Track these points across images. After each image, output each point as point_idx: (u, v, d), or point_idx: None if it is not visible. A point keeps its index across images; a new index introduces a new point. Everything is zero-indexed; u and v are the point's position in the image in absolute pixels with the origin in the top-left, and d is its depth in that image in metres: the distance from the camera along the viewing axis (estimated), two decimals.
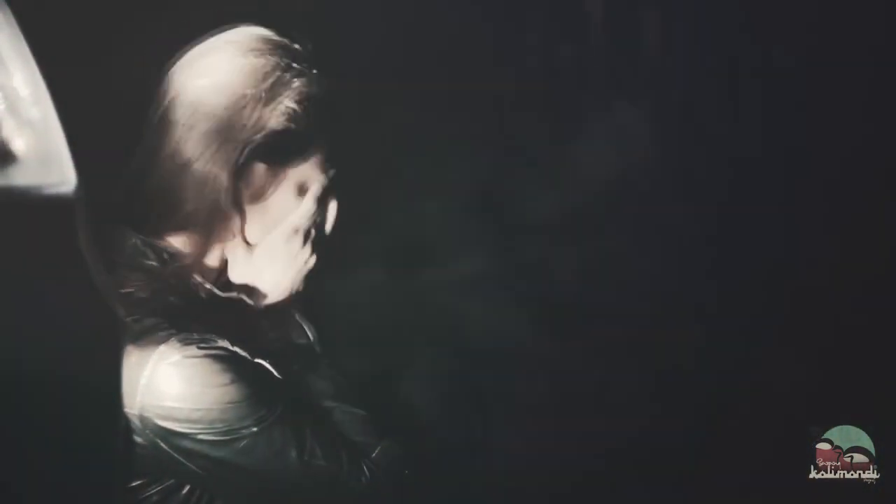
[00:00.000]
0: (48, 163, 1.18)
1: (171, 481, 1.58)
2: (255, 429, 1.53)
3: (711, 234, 3.85)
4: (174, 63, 1.62)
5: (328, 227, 1.73)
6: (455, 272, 3.73)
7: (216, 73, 1.56)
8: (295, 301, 1.71)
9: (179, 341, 1.51)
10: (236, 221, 1.61)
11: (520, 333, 3.46)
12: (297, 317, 1.70)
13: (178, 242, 1.61)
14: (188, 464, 1.53)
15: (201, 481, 1.57)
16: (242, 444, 1.53)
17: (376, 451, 1.64)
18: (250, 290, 1.68)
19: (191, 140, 1.55)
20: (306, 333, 1.70)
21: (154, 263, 1.59)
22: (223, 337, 1.54)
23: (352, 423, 1.66)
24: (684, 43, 4.23)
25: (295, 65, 1.59)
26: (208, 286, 1.63)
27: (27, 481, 1.26)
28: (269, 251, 1.67)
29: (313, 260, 1.71)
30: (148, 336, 1.52)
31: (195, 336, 1.52)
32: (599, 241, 3.82)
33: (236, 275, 1.67)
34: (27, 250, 1.18)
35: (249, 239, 1.67)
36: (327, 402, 1.67)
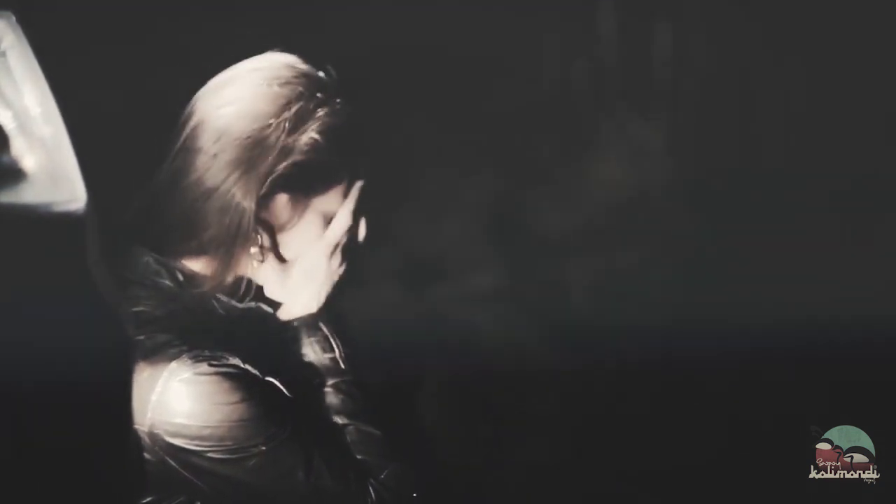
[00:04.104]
0: (59, 180, 1.18)
1: (182, 498, 1.58)
2: (263, 448, 1.53)
3: (723, 248, 3.85)
4: (200, 89, 1.62)
5: (361, 237, 1.73)
6: (469, 288, 3.73)
7: (241, 101, 1.55)
8: (325, 313, 1.70)
9: (191, 358, 1.51)
10: (258, 248, 1.61)
11: (533, 348, 3.46)
12: (326, 330, 1.69)
13: (196, 265, 1.61)
14: (197, 481, 1.54)
15: (210, 499, 1.57)
16: (251, 463, 1.52)
17: (385, 473, 1.63)
18: (270, 300, 1.68)
19: (214, 167, 1.54)
20: (332, 347, 1.69)
21: (167, 282, 1.59)
22: (235, 354, 1.54)
23: (364, 442, 1.65)
24: (697, 59, 4.23)
25: (319, 94, 1.58)
26: (225, 299, 1.63)
27: (38, 498, 1.26)
28: (308, 270, 1.66)
29: (342, 269, 1.71)
30: (159, 353, 1.52)
31: (206, 353, 1.52)
32: (613, 257, 3.82)
33: (271, 296, 1.68)
34: (38, 267, 1.18)
35: (285, 256, 1.66)
36: (341, 419, 1.66)
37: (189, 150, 1.57)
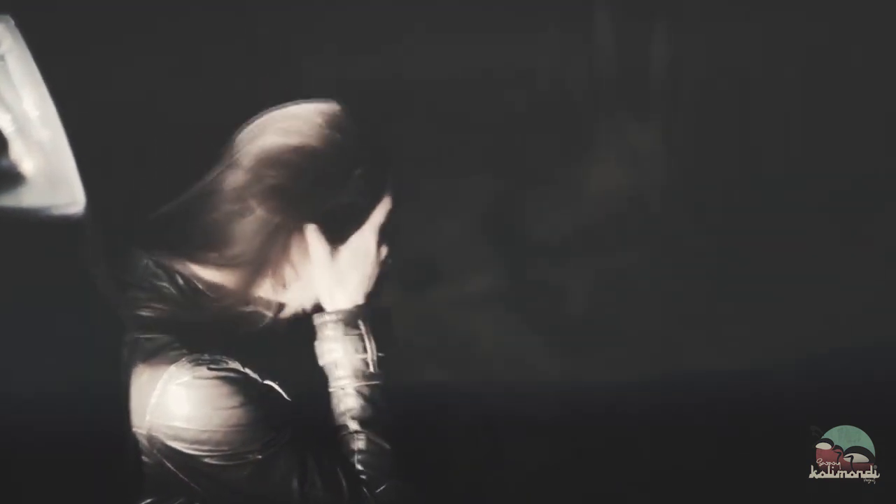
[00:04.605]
0: (57, 184, 1.19)
1: (181, 500, 1.58)
2: (259, 456, 1.53)
3: (722, 249, 3.85)
4: (262, 116, 1.65)
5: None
6: (467, 291, 3.73)
7: (301, 136, 1.60)
8: (368, 308, 1.68)
9: (190, 362, 1.51)
10: (283, 269, 1.62)
11: (531, 350, 3.46)
12: (363, 328, 1.68)
13: (209, 275, 1.62)
14: (194, 485, 1.54)
15: (208, 502, 1.57)
16: (246, 471, 1.53)
17: (384, 487, 1.62)
18: (268, 303, 1.68)
19: (256, 190, 1.58)
20: (366, 348, 1.68)
21: (167, 285, 1.60)
22: (234, 357, 1.54)
23: (372, 453, 1.63)
24: (695, 63, 4.23)
25: (374, 152, 1.64)
26: (224, 302, 1.63)
27: (39, 498, 1.26)
28: (358, 254, 1.66)
29: (390, 260, 1.71)
30: (159, 355, 1.52)
31: (206, 357, 1.52)
32: (611, 260, 3.83)
33: (316, 282, 1.67)
34: (37, 270, 1.18)
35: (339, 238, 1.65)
36: (355, 424, 1.65)
37: (235, 169, 1.60)
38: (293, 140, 1.60)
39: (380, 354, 1.66)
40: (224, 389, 1.51)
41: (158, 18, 2.61)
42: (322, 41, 3.58)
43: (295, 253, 1.61)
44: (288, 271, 1.62)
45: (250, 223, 1.58)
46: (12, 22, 1.26)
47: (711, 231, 3.97)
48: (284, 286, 1.64)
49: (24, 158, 1.21)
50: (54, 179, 1.19)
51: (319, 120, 1.62)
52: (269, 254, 1.59)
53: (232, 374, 1.52)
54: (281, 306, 1.67)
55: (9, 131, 1.22)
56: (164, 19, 2.57)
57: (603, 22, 4.35)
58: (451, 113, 4.05)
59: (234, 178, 1.60)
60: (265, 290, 1.64)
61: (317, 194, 1.59)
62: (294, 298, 1.67)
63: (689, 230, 3.97)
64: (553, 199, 4.12)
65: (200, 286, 1.61)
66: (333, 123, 1.62)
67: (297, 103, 1.67)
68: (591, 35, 4.35)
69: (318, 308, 1.68)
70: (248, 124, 1.65)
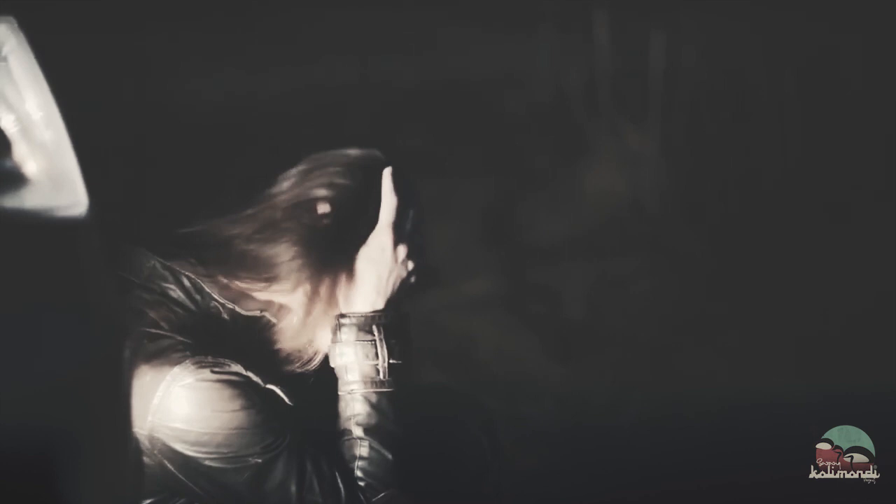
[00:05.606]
0: (60, 185, 1.18)
1: (182, 500, 1.59)
2: (259, 460, 1.55)
3: (718, 254, 3.86)
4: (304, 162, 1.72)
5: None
6: (466, 294, 3.74)
7: (336, 189, 1.66)
8: (387, 316, 1.69)
9: (193, 364, 1.53)
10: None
11: (528, 355, 3.46)
12: (377, 335, 1.68)
13: (238, 281, 1.65)
14: (193, 486, 1.56)
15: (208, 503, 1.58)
16: (245, 475, 1.55)
17: (381, 495, 1.63)
18: (271, 306, 1.68)
19: (291, 225, 1.64)
20: (378, 355, 1.68)
21: (173, 287, 1.61)
22: (238, 361, 1.55)
23: (374, 462, 1.64)
24: (691, 69, 4.23)
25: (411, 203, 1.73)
26: (230, 305, 1.64)
27: (36, 499, 1.26)
28: (372, 253, 1.68)
29: (413, 267, 1.71)
30: (162, 357, 1.54)
31: (209, 359, 1.54)
32: (609, 265, 3.83)
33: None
34: (39, 272, 1.18)
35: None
36: (360, 431, 1.65)
37: (274, 210, 1.66)
38: (328, 191, 1.66)
39: (391, 362, 1.66)
40: (226, 392, 1.53)
41: (160, 19, 2.62)
42: (322, 42, 3.58)
43: (339, 287, 1.66)
44: (331, 304, 1.66)
45: (284, 249, 1.63)
46: (15, 23, 1.26)
47: (710, 234, 3.97)
48: (308, 316, 1.67)
49: (27, 160, 1.21)
50: (57, 181, 1.18)
51: (358, 166, 1.69)
52: (313, 288, 1.64)
53: (234, 378, 1.54)
54: (318, 350, 1.69)
55: (12, 132, 1.22)
56: (166, 19, 2.58)
57: (601, 25, 4.35)
58: (451, 115, 4.06)
59: (272, 214, 1.65)
60: (310, 331, 1.66)
61: (344, 229, 1.66)
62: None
63: (688, 233, 3.98)
64: (551, 201, 4.12)
65: (220, 297, 1.63)
66: (371, 167, 1.69)
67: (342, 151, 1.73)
68: (590, 38, 4.36)
69: None
70: (292, 171, 1.71)
